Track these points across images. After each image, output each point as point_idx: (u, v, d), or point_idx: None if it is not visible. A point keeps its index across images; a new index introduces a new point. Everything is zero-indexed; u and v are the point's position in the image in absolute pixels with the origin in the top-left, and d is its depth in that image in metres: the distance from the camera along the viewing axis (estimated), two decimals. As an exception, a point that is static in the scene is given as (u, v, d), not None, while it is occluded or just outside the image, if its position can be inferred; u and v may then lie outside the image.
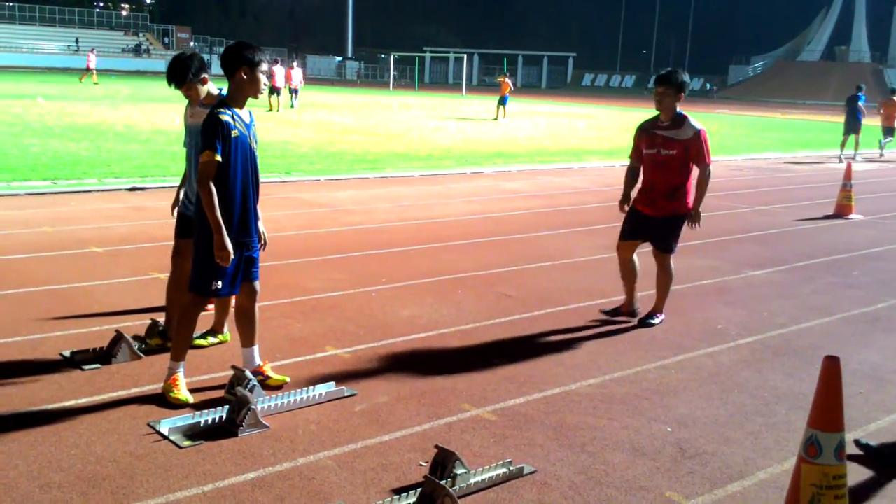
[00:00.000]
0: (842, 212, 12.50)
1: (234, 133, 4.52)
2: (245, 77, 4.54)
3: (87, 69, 42.72)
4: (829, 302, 7.48)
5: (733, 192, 14.89)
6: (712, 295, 7.57)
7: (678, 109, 6.24)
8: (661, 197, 6.29)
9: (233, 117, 4.53)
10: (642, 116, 6.94)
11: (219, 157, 4.45)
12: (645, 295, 6.74)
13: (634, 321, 6.53)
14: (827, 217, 12.42)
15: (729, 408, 4.95)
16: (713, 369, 5.61)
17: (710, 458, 4.27)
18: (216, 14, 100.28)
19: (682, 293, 7.33)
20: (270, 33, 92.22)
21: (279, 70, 30.30)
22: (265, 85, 4.65)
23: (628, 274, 6.56)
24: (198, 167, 4.53)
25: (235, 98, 4.60)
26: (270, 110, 29.07)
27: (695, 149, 6.17)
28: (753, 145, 25.39)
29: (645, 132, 6.37)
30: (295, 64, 33.63)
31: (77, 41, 73.98)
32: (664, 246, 6.43)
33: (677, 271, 6.53)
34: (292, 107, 31.48)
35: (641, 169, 6.44)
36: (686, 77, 6.26)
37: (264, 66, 4.60)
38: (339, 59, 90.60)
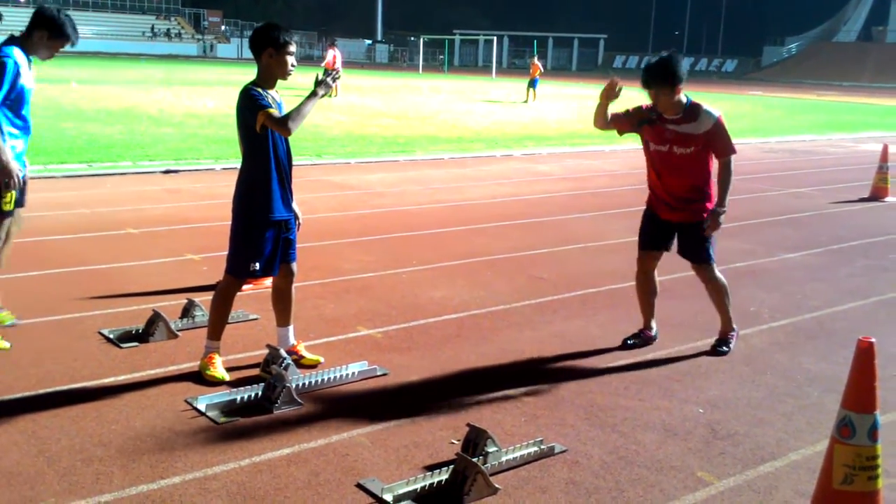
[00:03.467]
0: (878, 194, 12.32)
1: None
2: (271, 58, 4.53)
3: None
4: (864, 285, 7.40)
5: (767, 174, 14.73)
6: (746, 277, 7.52)
7: (685, 99, 5.27)
8: (682, 201, 5.33)
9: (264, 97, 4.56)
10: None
11: (272, 111, 4.45)
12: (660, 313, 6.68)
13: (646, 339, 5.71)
14: (862, 200, 12.25)
15: (761, 390, 4.94)
16: (745, 352, 5.59)
17: (742, 439, 4.27)
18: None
19: (714, 276, 7.28)
20: (301, 16, 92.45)
21: (337, 53, 29.83)
22: (293, 66, 4.64)
23: (646, 287, 5.62)
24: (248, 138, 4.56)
25: (265, 79, 4.59)
26: (332, 96, 28.67)
27: (717, 140, 5.22)
28: (787, 127, 25.05)
29: (651, 124, 5.39)
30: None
31: (153, 28, 74.35)
32: (699, 256, 5.44)
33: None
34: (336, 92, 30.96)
35: (648, 165, 5.54)
36: (678, 66, 5.15)
37: (292, 48, 4.58)
38: (369, 42, 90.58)
